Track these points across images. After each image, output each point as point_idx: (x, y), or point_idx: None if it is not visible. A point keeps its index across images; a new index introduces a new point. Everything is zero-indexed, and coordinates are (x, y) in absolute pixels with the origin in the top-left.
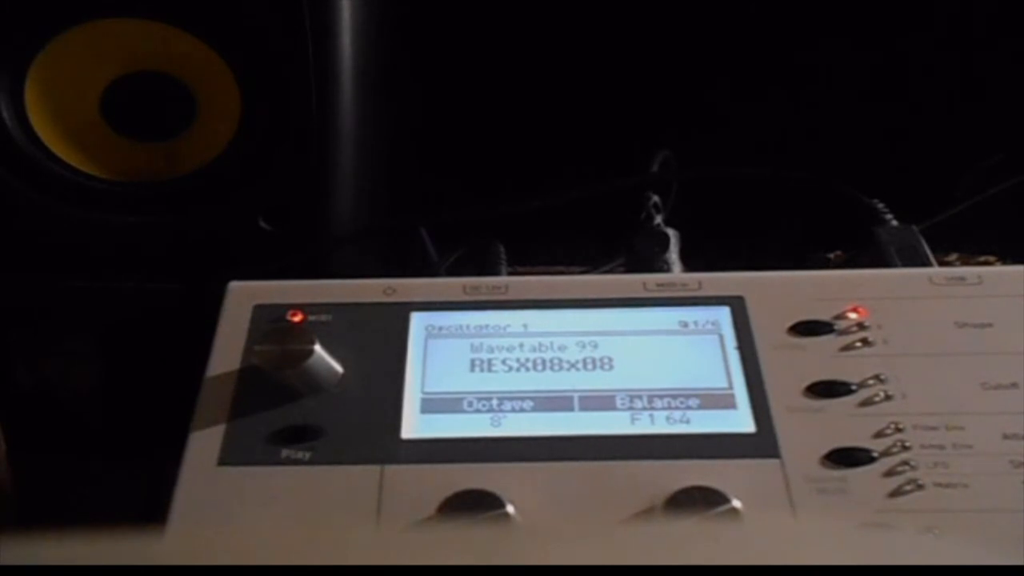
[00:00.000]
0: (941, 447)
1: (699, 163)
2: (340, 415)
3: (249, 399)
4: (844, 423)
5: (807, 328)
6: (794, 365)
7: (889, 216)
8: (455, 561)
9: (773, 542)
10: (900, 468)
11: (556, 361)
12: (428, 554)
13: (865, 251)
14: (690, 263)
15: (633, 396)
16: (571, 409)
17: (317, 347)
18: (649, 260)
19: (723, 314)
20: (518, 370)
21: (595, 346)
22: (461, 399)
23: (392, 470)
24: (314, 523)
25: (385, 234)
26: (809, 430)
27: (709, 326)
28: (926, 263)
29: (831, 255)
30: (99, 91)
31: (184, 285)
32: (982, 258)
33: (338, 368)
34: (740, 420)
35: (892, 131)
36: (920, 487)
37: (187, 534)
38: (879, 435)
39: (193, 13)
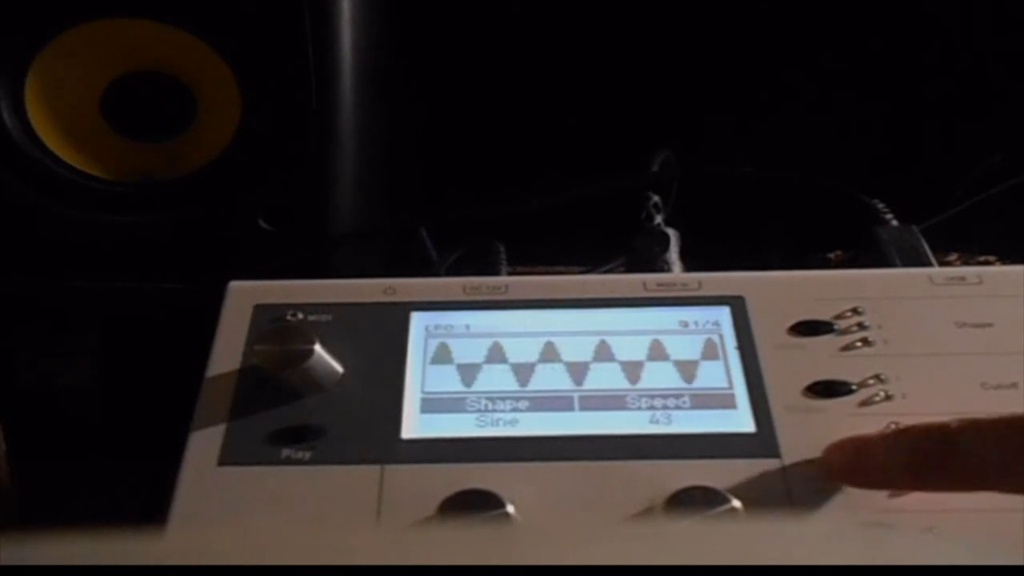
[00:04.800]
0: None
1: (699, 163)
2: (340, 415)
3: (249, 399)
4: (844, 423)
5: (807, 328)
6: (794, 365)
7: (889, 216)
8: (455, 561)
9: (773, 542)
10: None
11: (555, 360)
12: (428, 554)
13: (865, 251)
14: (690, 263)
15: (633, 396)
16: (571, 409)
17: (317, 347)
18: (649, 260)
19: (723, 314)
20: (518, 370)
21: (595, 346)
22: (461, 399)
23: (392, 470)
24: (314, 523)
25: (385, 234)
26: (809, 430)
27: (709, 326)
28: (926, 263)
29: (831, 255)
30: (99, 91)
31: (184, 285)
32: (982, 258)
33: (338, 368)
34: (740, 420)
35: (892, 131)
36: None
37: (187, 534)
38: None
39: (193, 13)
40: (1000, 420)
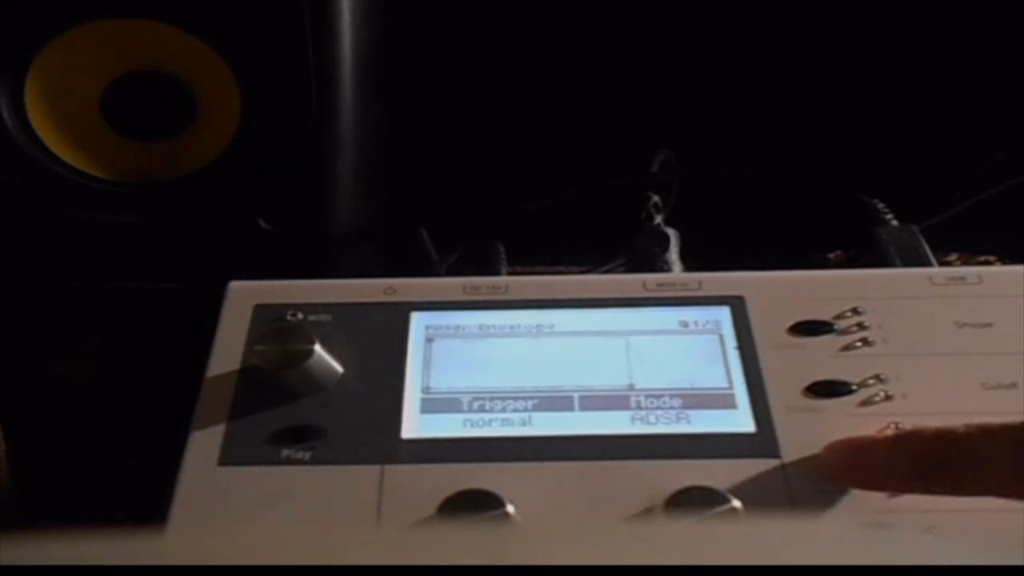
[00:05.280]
0: None
1: (699, 163)
2: (340, 415)
3: (249, 399)
4: (844, 423)
5: (807, 328)
6: (794, 365)
7: (889, 216)
8: (455, 561)
9: (773, 542)
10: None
11: (556, 361)
12: (428, 554)
13: (865, 251)
14: (690, 263)
15: (633, 396)
16: (571, 409)
17: (317, 347)
18: (649, 260)
19: (723, 314)
20: (518, 370)
21: (595, 346)
22: (461, 399)
23: (392, 470)
24: (314, 523)
25: (385, 234)
26: (809, 430)
27: (709, 326)
28: (926, 263)
29: (831, 255)
30: (99, 91)
31: (184, 285)
32: (982, 258)
33: (338, 368)
34: (740, 420)
35: (892, 131)
36: None
37: (187, 534)
38: None
39: (193, 13)
40: (1011, 426)
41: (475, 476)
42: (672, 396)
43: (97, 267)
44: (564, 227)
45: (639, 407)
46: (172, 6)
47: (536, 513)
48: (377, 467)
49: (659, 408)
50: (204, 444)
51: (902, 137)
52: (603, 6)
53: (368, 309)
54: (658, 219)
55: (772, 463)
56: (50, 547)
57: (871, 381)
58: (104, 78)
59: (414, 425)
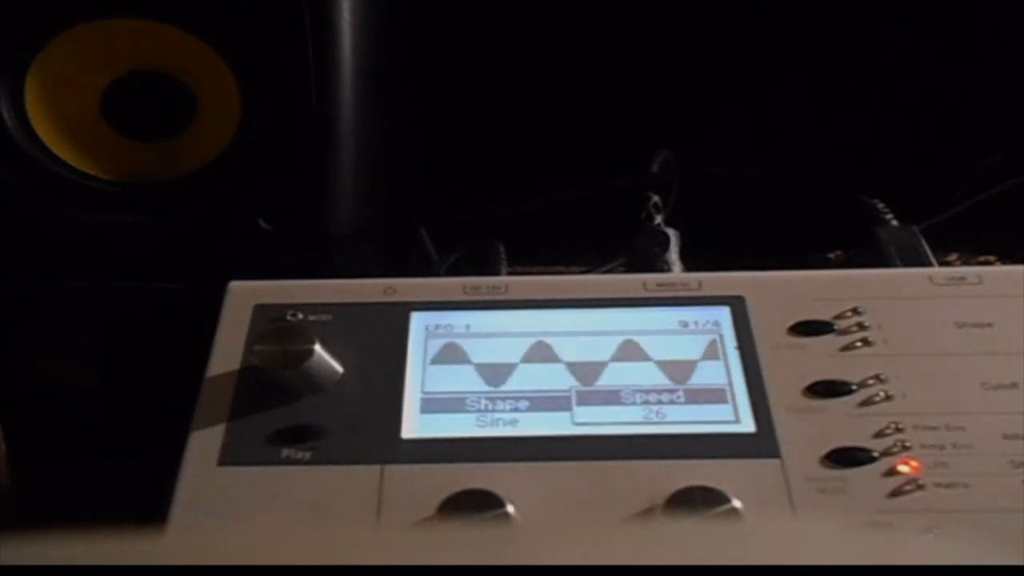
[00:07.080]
0: (941, 447)
1: (699, 163)
2: (340, 415)
3: (249, 399)
4: (844, 423)
5: (807, 328)
6: (794, 365)
7: (889, 216)
8: (455, 561)
9: (773, 542)
10: (900, 468)
11: (555, 360)
12: (428, 554)
13: (865, 251)
14: (690, 263)
15: (633, 396)
16: (571, 409)
17: (317, 347)
18: (649, 260)
19: (723, 314)
20: (518, 370)
21: (595, 346)
22: (461, 399)
23: (392, 470)
24: (314, 523)
25: (385, 234)
26: (809, 430)
27: (709, 326)
28: (926, 263)
29: (831, 255)
30: (99, 91)
31: (184, 285)
32: (982, 258)
33: (338, 368)
34: (740, 420)
35: (892, 131)
36: (920, 487)
37: (187, 534)
38: (879, 435)
39: (193, 13)
40: None
41: (475, 476)
42: (672, 396)
43: (97, 267)
44: (564, 227)
45: (639, 407)
46: (172, 6)
47: (536, 513)
48: (377, 467)
49: (659, 408)
50: (204, 444)
51: (902, 137)
52: (603, 6)
53: (368, 309)
54: (658, 219)
55: (772, 463)
56: (50, 547)
57: (871, 381)
58: (104, 78)
59: (414, 425)
